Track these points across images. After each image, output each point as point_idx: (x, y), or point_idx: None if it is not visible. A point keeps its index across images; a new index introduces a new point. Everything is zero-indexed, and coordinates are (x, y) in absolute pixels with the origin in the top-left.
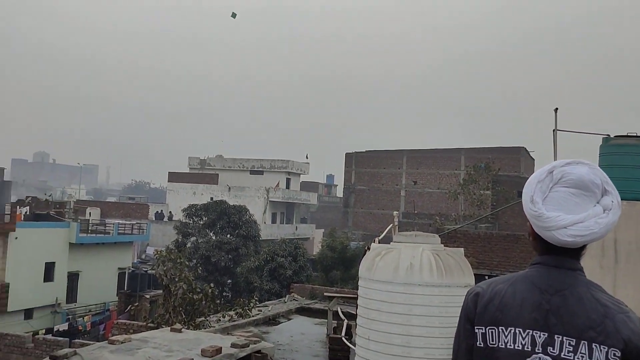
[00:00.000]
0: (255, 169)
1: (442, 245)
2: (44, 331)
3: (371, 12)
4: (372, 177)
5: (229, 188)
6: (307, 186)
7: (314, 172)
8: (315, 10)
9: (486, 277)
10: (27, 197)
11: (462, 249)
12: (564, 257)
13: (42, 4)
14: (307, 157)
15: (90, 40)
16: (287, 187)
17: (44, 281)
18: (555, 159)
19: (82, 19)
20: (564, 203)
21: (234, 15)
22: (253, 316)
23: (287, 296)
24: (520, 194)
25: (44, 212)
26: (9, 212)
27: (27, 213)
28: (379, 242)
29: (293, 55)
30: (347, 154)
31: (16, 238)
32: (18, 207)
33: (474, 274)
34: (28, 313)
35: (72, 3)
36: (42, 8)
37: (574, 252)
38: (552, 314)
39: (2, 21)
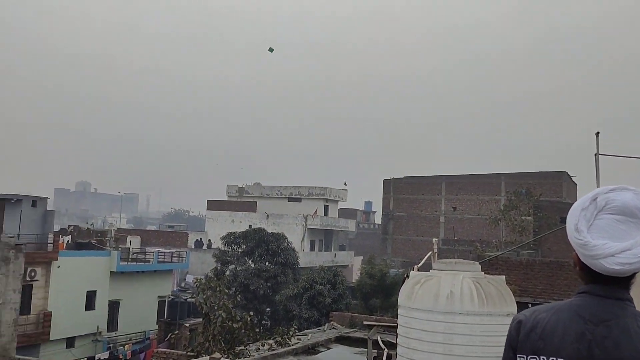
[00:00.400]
0: (293, 197)
1: (483, 273)
2: None
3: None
4: (411, 204)
5: (267, 216)
6: (345, 213)
7: (352, 199)
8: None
9: (529, 305)
10: (70, 226)
11: (504, 276)
12: (612, 286)
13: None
14: (345, 184)
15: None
16: (325, 214)
17: (86, 310)
18: (597, 183)
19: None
20: (610, 230)
21: (271, 50)
22: (292, 345)
23: (327, 324)
24: (563, 220)
25: (86, 240)
26: (52, 241)
27: (70, 242)
28: (418, 270)
29: (328, 77)
30: (385, 181)
31: (58, 267)
32: (61, 236)
33: (517, 302)
34: (70, 342)
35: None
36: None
37: (623, 281)
38: (596, 345)
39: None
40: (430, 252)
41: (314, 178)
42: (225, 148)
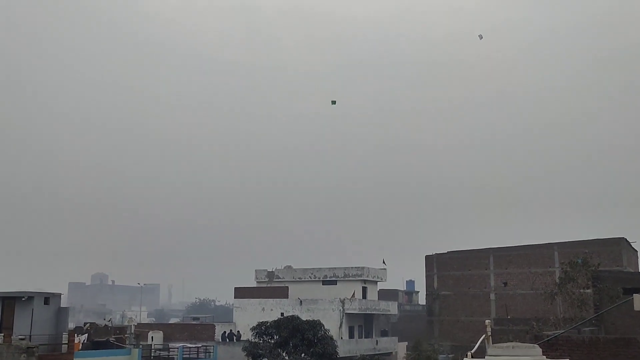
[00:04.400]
0: (328, 279)
1: (544, 357)
2: None
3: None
4: (457, 281)
5: (301, 301)
6: (386, 294)
7: (392, 279)
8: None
9: None
10: (86, 323)
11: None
12: None
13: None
14: (383, 263)
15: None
16: (364, 296)
17: None
18: None
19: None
20: None
21: (333, 102)
22: None
23: None
24: (626, 291)
25: (104, 339)
26: (67, 341)
27: (86, 341)
28: (472, 357)
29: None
30: (427, 257)
31: None
32: (76, 335)
33: None
34: None
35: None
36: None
37: None
38: None
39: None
40: (484, 336)
41: (350, 257)
42: (251, 229)
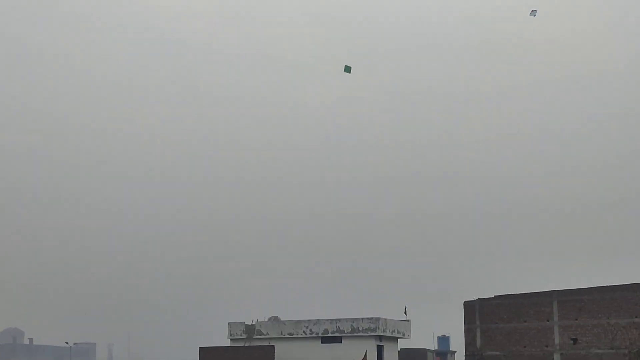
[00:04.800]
0: (330, 335)
1: None
2: None
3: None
4: (508, 336)
5: None
6: (410, 355)
7: (419, 334)
8: None
9: None
10: None
11: None
12: None
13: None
14: (405, 313)
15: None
16: (380, 359)
17: None
18: None
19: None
20: None
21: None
22: None
23: None
24: None
25: None
26: None
27: None
28: None
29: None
30: (466, 303)
31: None
32: None
33: None
34: None
35: None
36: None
37: None
38: None
39: None
40: None
41: (359, 306)
42: (224, 266)
